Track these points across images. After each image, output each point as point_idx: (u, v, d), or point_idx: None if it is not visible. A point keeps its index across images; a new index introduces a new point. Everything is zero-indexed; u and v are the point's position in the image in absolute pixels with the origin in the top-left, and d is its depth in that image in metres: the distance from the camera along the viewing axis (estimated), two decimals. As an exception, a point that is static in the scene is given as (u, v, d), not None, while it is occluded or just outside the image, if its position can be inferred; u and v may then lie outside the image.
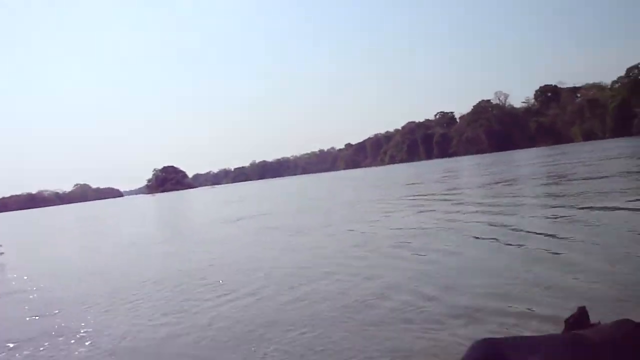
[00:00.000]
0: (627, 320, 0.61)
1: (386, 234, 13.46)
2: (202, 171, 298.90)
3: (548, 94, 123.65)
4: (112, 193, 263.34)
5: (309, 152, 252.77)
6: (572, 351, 0.51)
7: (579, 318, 0.46)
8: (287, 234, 16.50)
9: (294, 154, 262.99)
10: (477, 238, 10.98)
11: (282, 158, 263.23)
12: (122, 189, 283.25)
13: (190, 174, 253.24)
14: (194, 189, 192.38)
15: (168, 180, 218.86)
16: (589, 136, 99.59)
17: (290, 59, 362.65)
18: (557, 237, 9.79)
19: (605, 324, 0.57)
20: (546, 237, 9.96)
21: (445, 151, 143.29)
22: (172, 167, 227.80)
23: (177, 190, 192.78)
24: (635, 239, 8.89)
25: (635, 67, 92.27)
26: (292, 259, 11.63)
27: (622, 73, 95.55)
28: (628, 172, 21.27)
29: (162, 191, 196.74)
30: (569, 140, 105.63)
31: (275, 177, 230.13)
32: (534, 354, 0.51)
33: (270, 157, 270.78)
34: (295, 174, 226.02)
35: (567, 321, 0.46)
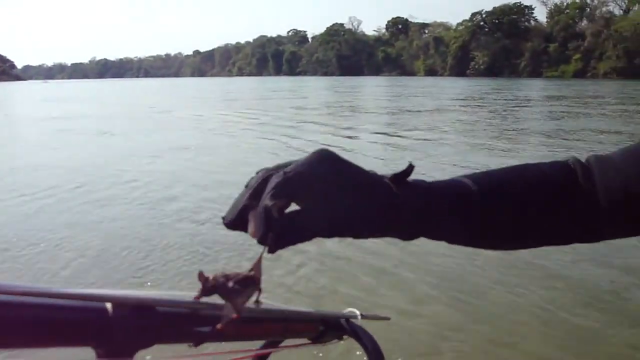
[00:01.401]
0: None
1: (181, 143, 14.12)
2: (34, 63, 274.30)
3: (399, 26, 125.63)
4: None
5: (154, 54, 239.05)
6: (389, 191, 0.59)
7: (404, 173, 0.42)
8: (90, 135, 16.65)
9: (138, 55, 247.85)
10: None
11: (125, 58, 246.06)
12: None
13: (19, 65, 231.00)
14: (22, 82, 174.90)
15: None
16: (430, 72, 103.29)
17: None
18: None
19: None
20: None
21: (294, 69, 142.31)
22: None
23: (2, 81, 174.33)
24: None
25: (479, 12, 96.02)
26: (85, 159, 11.79)
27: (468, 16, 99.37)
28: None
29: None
30: (412, 73, 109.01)
31: (116, 77, 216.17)
32: (360, 186, 0.57)
33: (112, 56, 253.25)
34: (137, 76, 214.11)
35: (395, 174, 0.43)
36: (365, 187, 0.58)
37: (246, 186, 0.57)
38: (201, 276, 0.50)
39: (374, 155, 11.59)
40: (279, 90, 49.65)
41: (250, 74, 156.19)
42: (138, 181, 9.16)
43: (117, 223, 6.75)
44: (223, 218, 0.58)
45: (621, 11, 77.60)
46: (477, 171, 0.68)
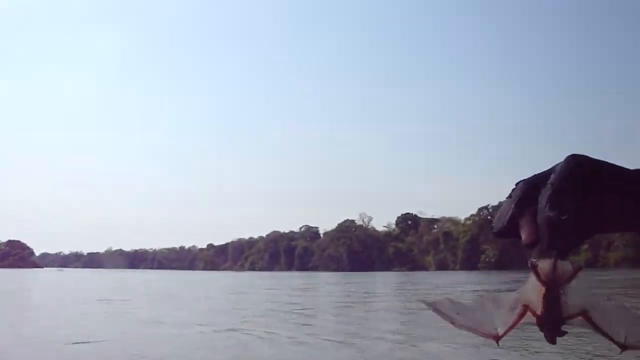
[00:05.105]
0: None
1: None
2: (52, 251, 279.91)
3: (408, 222, 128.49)
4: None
5: (169, 247, 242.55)
6: None
7: None
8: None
9: (153, 247, 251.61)
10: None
11: (140, 249, 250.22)
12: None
13: (38, 252, 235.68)
14: (38, 269, 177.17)
15: (11, 255, 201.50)
16: (441, 266, 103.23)
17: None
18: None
19: None
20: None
21: (305, 264, 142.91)
22: (19, 242, 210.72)
23: (20, 267, 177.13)
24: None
25: (485, 207, 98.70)
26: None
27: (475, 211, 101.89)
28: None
29: (2, 267, 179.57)
30: (423, 267, 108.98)
31: (131, 267, 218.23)
32: (623, 183, 0.55)
33: (127, 246, 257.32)
34: (151, 268, 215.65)
35: None
36: (628, 183, 0.59)
37: (509, 197, 0.63)
38: None
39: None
40: (255, 288, 48.03)
41: (261, 269, 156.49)
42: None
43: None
44: (492, 227, 0.66)
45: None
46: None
